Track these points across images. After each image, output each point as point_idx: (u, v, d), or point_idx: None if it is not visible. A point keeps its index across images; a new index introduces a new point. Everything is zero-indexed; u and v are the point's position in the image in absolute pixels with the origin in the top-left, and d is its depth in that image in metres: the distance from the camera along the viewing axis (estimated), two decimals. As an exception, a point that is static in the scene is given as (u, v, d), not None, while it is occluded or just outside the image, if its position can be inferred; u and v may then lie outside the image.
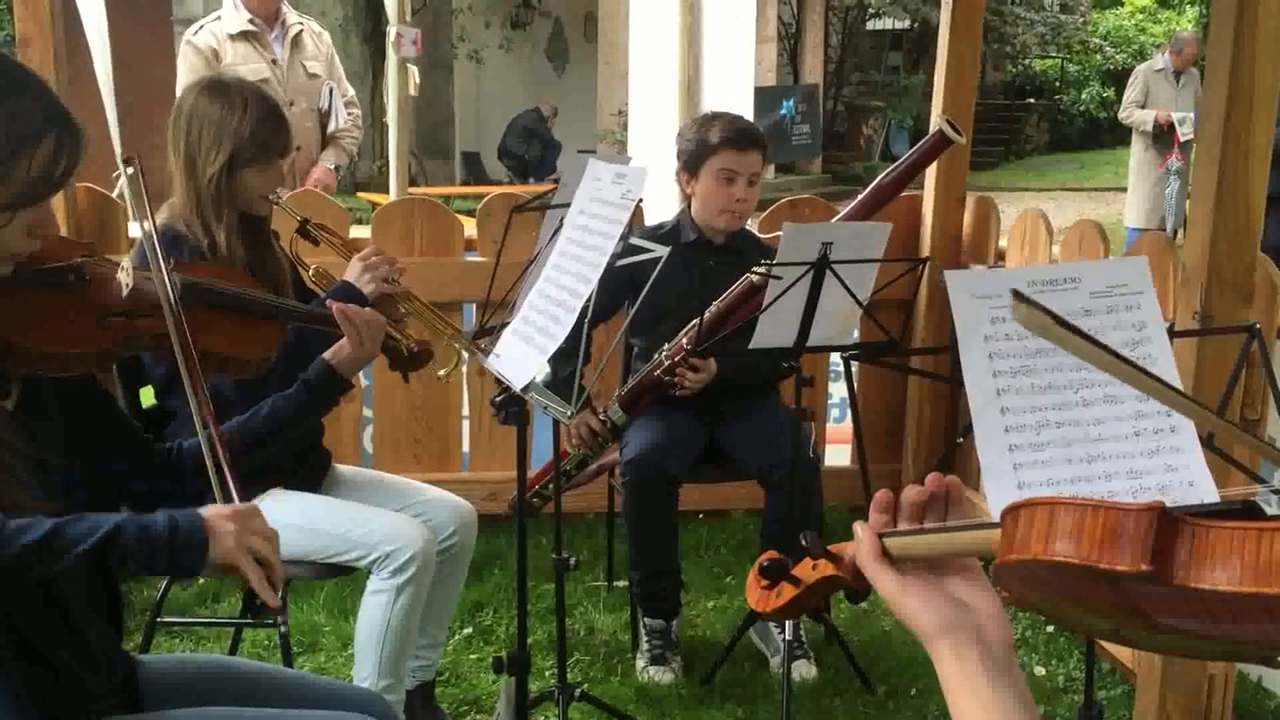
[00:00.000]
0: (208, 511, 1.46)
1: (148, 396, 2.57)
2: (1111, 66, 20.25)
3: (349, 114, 4.76)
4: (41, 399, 1.57)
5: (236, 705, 1.71)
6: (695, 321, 2.90)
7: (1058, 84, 21.46)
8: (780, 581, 1.14)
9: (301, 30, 4.67)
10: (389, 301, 2.53)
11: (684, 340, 2.99)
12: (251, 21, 4.48)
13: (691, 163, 3.12)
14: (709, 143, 3.08)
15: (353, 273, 2.50)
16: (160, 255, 1.62)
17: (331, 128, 4.71)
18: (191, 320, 1.70)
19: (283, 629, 1.43)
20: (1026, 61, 21.33)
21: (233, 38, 4.47)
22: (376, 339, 2.10)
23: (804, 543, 1.11)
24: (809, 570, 1.12)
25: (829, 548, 1.10)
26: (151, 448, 1.78)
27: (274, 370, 1.93)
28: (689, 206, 3.21)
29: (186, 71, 4.46)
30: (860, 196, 3.14)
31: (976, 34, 3.91)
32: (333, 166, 4.72)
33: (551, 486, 2.80)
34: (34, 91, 1.44)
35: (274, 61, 4.53)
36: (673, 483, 3.09)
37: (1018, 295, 0.74)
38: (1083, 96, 20.99)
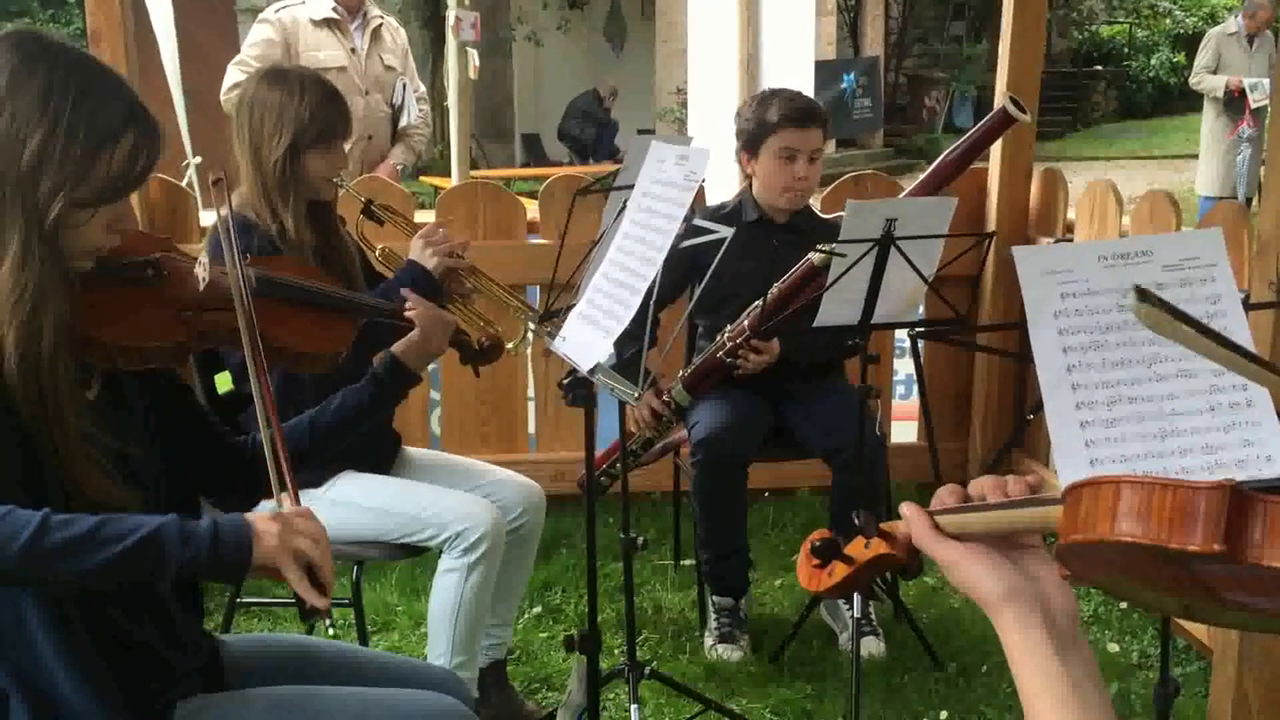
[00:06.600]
0: (252, 515, 1.44)
1: (224, 382, 2.62)
2: (1181, 31, 19.74)
3: (419, 110, 4.80)
4: (122, 391, 1.61)
5: (315, 684, 1.75)
6: (758, 303, 2.89)
7: (1126, 50, 20.94)
8: (832, 560, 1.14)
9: (382, 24, 4.73)
10: (455, 277, 2.56)
11: (745, 322, 2.99)
12: (335, 10, 4.54)
13: (751, 142, 3.10)
14: (768, 121, 3.04)
15: (415, 250, 2.54)
16: (236, 249, 1.64)
17: (403, 123, 4.76)
18: (265, 315, 1.72)
19: (329, 627, 1.42)
20: (1093, 27, 20.83)
21: (315, 23, 4.52)
22: (445, 335, 2.13)
23: (857, 521, 1.11)
24: (861, 549, 1.12)
25: (881, 526, 1.10)
26: (229, 439, 1.82)
27: (345, 361, 1.96)
28: (750, 186, 3.20)
29: (252, 39, 4.53)
30: (922, 177, 3.11)
31: (1041, 0, 3.83)
32: (399, 165, 4.77)
33: (618, 465, 2.81)
34: (115, 90, 1.46)
35: (353, 51, 4.57)
36: (743, 462, 3.09)
37: (1141, 294, 0.70)
38: (1152, 62, 20.46)
